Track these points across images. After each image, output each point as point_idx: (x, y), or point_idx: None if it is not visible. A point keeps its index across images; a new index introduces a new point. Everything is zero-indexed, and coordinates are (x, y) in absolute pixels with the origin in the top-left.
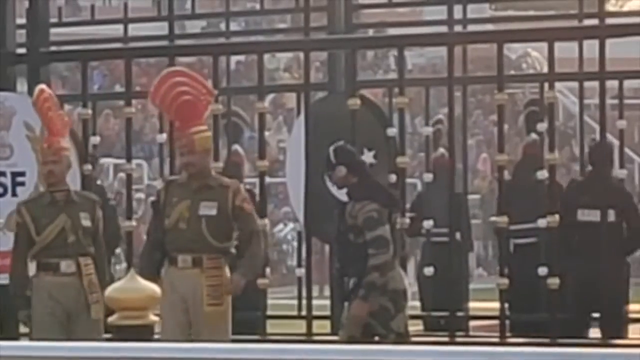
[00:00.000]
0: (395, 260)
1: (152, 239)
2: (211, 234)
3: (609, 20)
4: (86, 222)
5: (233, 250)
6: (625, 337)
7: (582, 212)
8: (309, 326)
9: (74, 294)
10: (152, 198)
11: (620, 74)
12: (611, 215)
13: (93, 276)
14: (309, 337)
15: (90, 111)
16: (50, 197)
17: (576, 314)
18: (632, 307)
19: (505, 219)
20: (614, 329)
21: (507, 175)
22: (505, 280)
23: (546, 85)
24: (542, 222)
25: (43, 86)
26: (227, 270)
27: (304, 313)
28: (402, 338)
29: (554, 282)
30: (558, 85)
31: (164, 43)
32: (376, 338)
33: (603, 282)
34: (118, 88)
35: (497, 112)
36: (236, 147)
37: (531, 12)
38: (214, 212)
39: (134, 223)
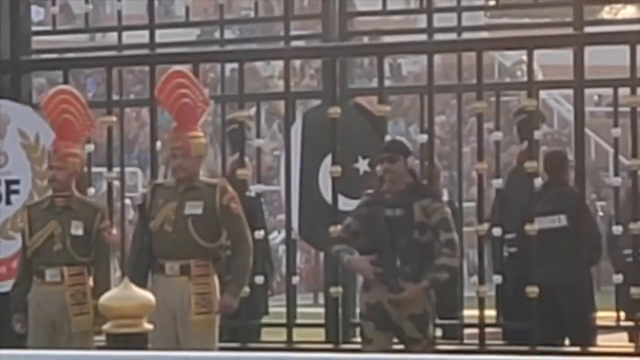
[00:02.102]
0: None
1: (138, 245)
2: (198, 234)
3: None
4: (76, 231)
5: (222, 254)
6: (594, 344)
7: (539, 220)
8: (289, 334)
9: (58, 305)
10: (138, 201)
11: (599, 82)
12: (564, 221)
13: (81, 287)
14: (289, 344)
15: None
16: (49, 202)
17: (540, 321)
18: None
19: (485, 226)
20: (580, 336)
21: (501, 183)
22: (485, 288)
23: (541, 92)
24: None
25: (62, 87)
26: (215, 278)
27: (299, 321)
28: (431, 346)
29: (532, 290)
30: (553, 92)
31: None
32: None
33: (566, 287)
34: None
35: (477, 120)
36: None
37: (526, 20)
38: (199, 210)
39: (114, 232)
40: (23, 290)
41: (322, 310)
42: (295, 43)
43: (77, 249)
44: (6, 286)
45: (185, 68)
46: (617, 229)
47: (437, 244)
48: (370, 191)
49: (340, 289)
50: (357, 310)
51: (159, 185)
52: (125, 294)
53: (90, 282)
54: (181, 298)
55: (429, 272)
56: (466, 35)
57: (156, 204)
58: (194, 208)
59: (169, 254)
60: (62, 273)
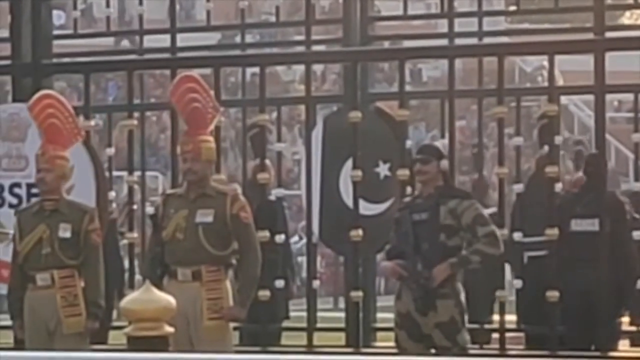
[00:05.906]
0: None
1: (151, 254)
2: (209, 242)
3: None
4: (64, 234)
5: (234, 261)
6: (617, 349)
7: (575, 222)
8: (310, 338)
9: (50, 308)
10: (151, 212)
11: (619, 87)
12: (602, 225)
13: (72, 289)
14: (310, 348)
15: (92, 123)
16: (39, 206)
17: (573, 326)
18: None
19: (505, 231)
20: (607, 341)
21: (521, 188)
22: (505, 293)
23: (561, 98)
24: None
25: (48, 92)
26: (227, 283)
27: (319, 325)
28: (464, 353)
29: (553, 295)
30: (574, 98)
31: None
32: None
33: (597, 292)
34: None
35: (497, 125)
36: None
37: (547, 25)
38: (210, 219)
39: (135, 235)
40: (18, 297)
41: (342, 314)
42: (316, 47)
43: (65, 251)
44: None
45: (207, 72)
46: (638, 234)
47: (474, 241)
48: (407, 199)
49: (360, 294)
50: (378, 315)
51: (170, 195)
52: (146, 297)
53: (82, 284)
54: (193, 303)
55: (461, 252)
56: (487, 40)
57: (168, 213)
58: (204, 216)
59: (180, 261)
60: (52, 276)
